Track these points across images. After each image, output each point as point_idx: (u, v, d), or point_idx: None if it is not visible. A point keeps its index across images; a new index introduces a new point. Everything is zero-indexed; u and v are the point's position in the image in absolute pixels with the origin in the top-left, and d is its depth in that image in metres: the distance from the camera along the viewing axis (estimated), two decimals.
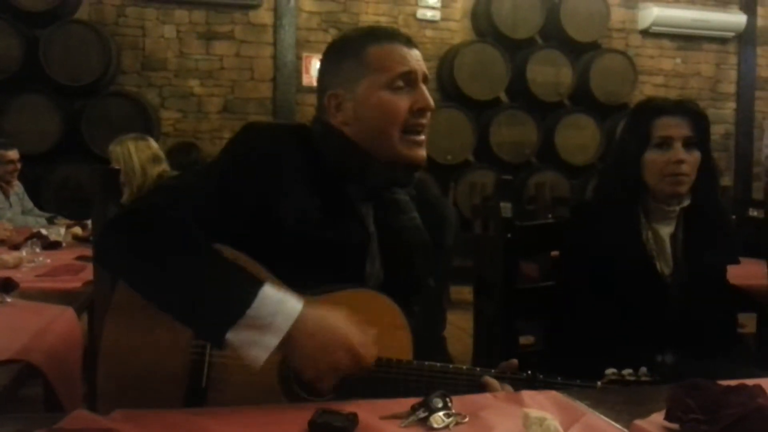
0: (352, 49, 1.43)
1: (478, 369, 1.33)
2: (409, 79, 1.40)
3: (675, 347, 1.78)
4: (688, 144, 1.83)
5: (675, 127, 1.83)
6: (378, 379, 1.26)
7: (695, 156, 1.83)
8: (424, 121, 1.42)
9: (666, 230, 1.88)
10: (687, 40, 8.40)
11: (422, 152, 1.43)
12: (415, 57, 1.42)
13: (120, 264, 1.30)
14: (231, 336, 1.13)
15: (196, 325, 1.19)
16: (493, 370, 1.33)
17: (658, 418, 1.04)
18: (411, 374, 1.28)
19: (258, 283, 1.17)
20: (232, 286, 1.17)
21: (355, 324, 1.21)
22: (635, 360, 1.40)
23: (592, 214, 1.95)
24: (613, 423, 1.07)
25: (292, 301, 1.18)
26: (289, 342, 1.14)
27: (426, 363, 1.30)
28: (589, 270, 1.86)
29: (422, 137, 1.43)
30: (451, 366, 1.32)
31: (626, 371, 1.38)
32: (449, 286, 5.68)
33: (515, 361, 1.35)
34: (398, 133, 1.39)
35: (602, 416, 1.09)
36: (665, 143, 1.83)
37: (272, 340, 1.13)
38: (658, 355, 1.74)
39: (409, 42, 1.44)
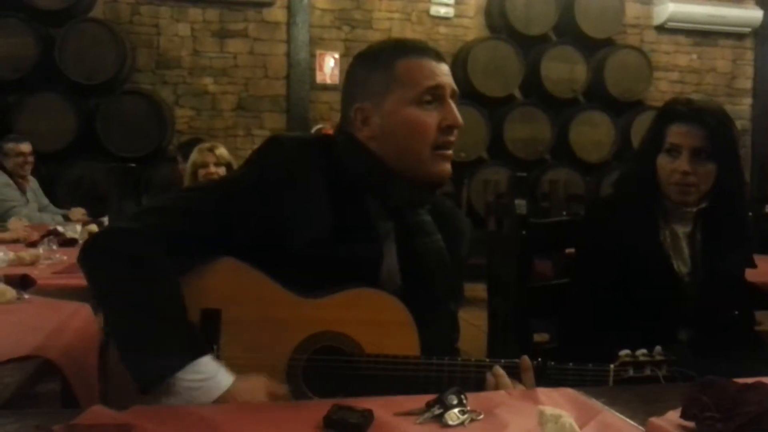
0: (381, 62, 1.41)
1: (487, 360, 1.33)
2: (437, 94, 1.39)
3: (690, 327, 1.77)
4: (698, 154, 1.79)
5: (685, 136, 1.80)
6: (387, 377, 1.27)
7: (707, 168, 1.79)
8: (452, 138, 1.40)
9: (683, 230, 1.87)
10: (703, 35, 8.34)
11: (449, 167, 1.42)
12: (444, 72, 1.41)
13: (91, 276, 1.33)
14: (152, 388, 1.17)
15: (126, 365, 1.20)
16: (503, 360, 1.32)
17: (673, 416, 1.03)
18: (420, 369, 1.28)
19: (194, 354, 1.19)
20: (170, 346, 1.19)
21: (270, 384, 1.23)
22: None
23: (609, 212, 1.94)
24: (628, 420, 1.07)
25: (220, 379, 1.19)
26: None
27: (434, 357, 1.30)
28: (605, 267, 1.85)
29: (450, 151, 1.42)
30: (459, 359, 1.33)
31: (640, 352, 1.36)
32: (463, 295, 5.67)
33: (527, 361, 1.34)
34: (428, 150, 1.38)
35: (618, 414, 1.09)
36: (675, 150, 1.81)
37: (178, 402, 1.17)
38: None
39: (439, 56, 1.43)
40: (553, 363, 1.35)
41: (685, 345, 1.74)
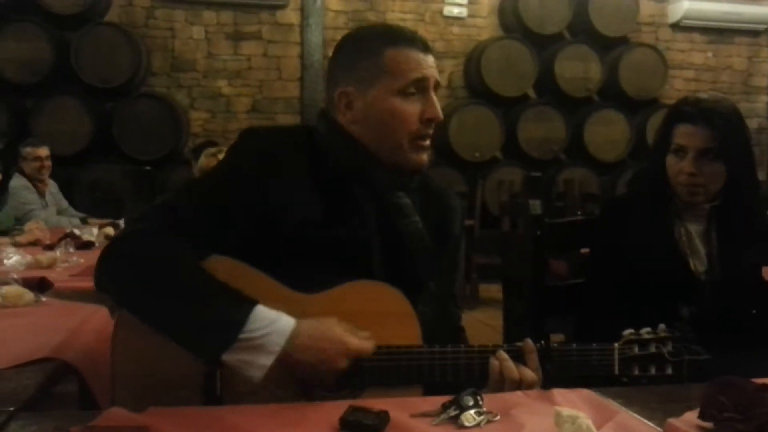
0: (370, 49, 1.42)
1: (490, 345, 1.32)
2: (421, 86, 1.41)
3: (695, 303, 1.77)
4: (704, 155, 1.78)
5: (691, 137, 1.79)
6: (391, 367, 1.27)
7: (715, 168, 1.78)
8: (430, 131, 1.43)
9: (698, 228, 1.86)
10: (718, 33, 8.29)
11: (425, 157, 1.44)
12: (429, 63, 1.42)
13: (117, 292, 1.33)
14: (227, 358, 1.17)
15: (194, 350, 1.21)
16: (505, 345, 1.32)
17: (692, 416, 1.03)
18: (423, 358, 1.28)
19: (249, 305, 1.19)
20: (224, 310, 1.20)
21: (346, 325, 1.23)
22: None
23: (623, 211, 1.94)
24: (646, 421, 1.06)
25: (284, 319, 1.20)
26: (286, 358, 1.17)
27: (436, 346, 1.30)
28: (620, 266, 1.84)
29: (428, 142, 1.44)
30: (463, 346, 1.32)
31: (644, 330, 1.36)
32: (466, 274, 5.67)
33: (529, 343, 1.34)
34: (406, 140, 1.40)
35: (635, 415, 1.08)
36: (681, 151, 1.80)
37: (266, 360, 1.16)
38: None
39: (426, 48, 1.44)
40: (556, 344, 1.34)
41: (688, 321, 1.72)
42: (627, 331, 1.37)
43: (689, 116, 1.80)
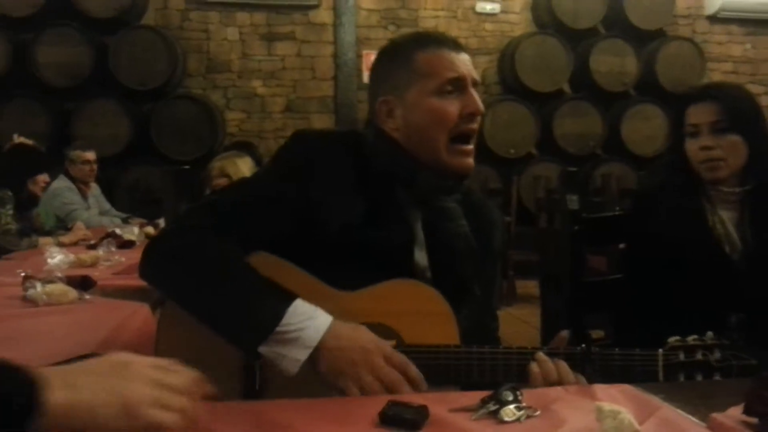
0: (401, 55, 1.44)
1: (529, 347, 1.31)
2: (459, 84, 1.41)
3: (742, 311, 1.74)
4: (717, 129, 1.80)
5: (701, 114, 1.83)
6: (428, 366, 1.26)
7: (729, 140, 1.80)
8: (474, 126, 1.42)
9: (730, 214, 1.85)
10: (757, 24, 8.13)
11: (470, 161, 1.44)
12: (463, 61, 1.43)
13: (161, 281, 1.36)
14: (263, 350, 1.20)
15: (233, 340, 1.24)
16: (545, 347, 1.31)
17: (735, 411, 1.01)
18: (461, 358, 1.28)
19: (288, 299, 1.21)
20: (264, 303, 1.22)
21: (379, 340, 1.23)
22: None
23: (654, 201, 1.93)
24: (689, 417, 1.05)
25: (322, 316, 1.21)
26: (318, 354, 1.19)
27: (474, 346, 1.29)
28: (655, 257, 1.83)
29: (470, 146, 1.43)
30: (501, 347, 1.32)
31: (691, 337, 1.33)
32: (503, 271, 5.64)
33: (564, 333, 1.33)
34: (446, 140, 1.40)
35: (678, 410, 1.07)
36: (695, 131, 1.84)
37: (300, 354, 1.18)
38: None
39: (458, 46, 1.45)
40: (598, 348, 1.33)
41: (736, 329, 1.69)
42: (672, 338, 1.34)
43: (695, 96, 1.86)
